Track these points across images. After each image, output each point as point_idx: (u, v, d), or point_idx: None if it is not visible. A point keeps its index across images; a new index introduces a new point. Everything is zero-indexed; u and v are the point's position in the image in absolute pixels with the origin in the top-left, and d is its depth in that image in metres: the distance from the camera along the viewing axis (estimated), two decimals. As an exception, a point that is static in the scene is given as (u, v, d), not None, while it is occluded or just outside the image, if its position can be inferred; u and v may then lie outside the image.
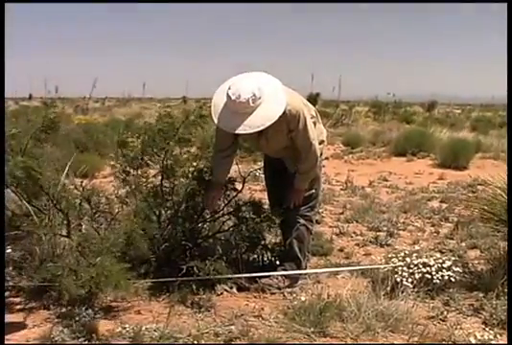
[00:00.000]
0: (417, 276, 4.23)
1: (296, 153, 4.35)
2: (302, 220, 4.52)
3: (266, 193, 4.97)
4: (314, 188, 4.57)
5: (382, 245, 5.80)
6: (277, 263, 4.58)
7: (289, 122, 4.13)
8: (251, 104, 3.89)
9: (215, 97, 4.13)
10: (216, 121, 4.05)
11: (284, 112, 4.01)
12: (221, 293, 4.23)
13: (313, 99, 31.82)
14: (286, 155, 4.48)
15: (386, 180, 10.38)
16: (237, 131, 3.98)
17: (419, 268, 4.27)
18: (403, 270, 4.27)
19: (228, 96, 3.91)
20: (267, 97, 3.97)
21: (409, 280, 4.20)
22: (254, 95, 3.89)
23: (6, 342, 3.47)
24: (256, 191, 8.32)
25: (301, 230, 4.53)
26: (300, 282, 4.50)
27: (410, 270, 4.27)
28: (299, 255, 4.55)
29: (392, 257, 4.49)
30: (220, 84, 4.19)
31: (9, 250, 4.31)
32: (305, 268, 4.62)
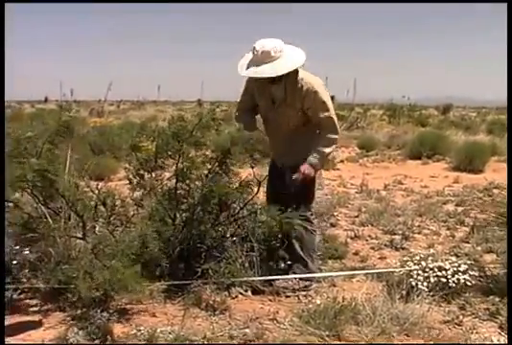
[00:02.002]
0: (432, 280, 4.22)
1: (307, 135, 4.57)
2: (299, 221, 4.49)
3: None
4: (310, 187, 4.63)
5: (397, 249, 5.78)
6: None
7: (304, 97, 4.46)
8: (272, 54, 4.32)
9: (244, 56, 4.52)
10: (238, 70, 4.45)
11: (301, 87, 4.44)
12: (236, 296, 4.23)
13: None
14: (291, 137, 4.63)
15: (402, 183, 10.34)
16: (248, 74, 4.43)
17: (434, 272, 4.26)
18: (418, 274, 4.26)
19: (254, 47, 4.35)
20: (286, 56, 4.38)
21: (425, 284, 4.18)
22: (275, 47, 4.33)
23: (22, 342, 3.50)
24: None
25: (299, 230, 4.52)
26: (314, 285, 4.50)
27: (426, 274, 4.25)
28: (302, 255, 4.57)
29: (407, 260, 4.48)
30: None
31: (26, 252, 4.34)
32: (314, 269, 4.62)
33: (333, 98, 30.57)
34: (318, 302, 3.86)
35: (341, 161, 13.52)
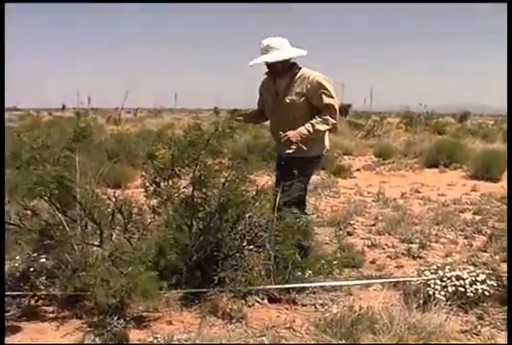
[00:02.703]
0: (450, 289, 4.19)
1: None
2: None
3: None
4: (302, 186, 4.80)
5: (414, 258, 5.75)
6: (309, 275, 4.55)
7: (308, 87, 4.96)
8: (272, 45, 4.93)
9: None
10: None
11: (305, 78, 4.98)
12: (253, 304, 4.23)
13: (344, 110, 31.75)
14: (293, 122, 4.96)
15: (418, 192, 10.28)
16: (253, 62, 5.02)
17: (452, 281, 4.23)
18: (435, 283, 4.23)
19: (261, 43, 4.97)
20: (285, 49, 4.98)
21: (442, 293, 4.16)
22: (276, 42, 4.96)
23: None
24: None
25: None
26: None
27: (443, 283, 4.23)
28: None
29: (425, 269, 4.46)
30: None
31: (43, 259, 4.35)
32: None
33: (350, 106, 30.50)
34: (335, 311, 3.84)
35: (358, 169, 13.49)
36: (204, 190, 4.34)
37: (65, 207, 4.25)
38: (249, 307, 4.20)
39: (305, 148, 4.82)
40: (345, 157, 15.95)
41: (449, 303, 4.07)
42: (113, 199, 4.48)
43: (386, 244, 6.24)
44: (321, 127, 4.93)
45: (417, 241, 6.30)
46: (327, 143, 5.25)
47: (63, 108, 53.90)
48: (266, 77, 5.26)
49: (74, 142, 4.33)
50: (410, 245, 6.12)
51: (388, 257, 5.78)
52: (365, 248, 5.99)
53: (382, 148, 17.05)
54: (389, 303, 4.06)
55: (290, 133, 4.80)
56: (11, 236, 4.19)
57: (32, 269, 4.37)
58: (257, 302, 4.26)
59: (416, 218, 7.63)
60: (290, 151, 4.81)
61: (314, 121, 4.90)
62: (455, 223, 7.30)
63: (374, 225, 7.23)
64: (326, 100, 4.94)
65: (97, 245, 4.19)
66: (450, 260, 4.83)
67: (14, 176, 4.10)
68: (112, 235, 4.32)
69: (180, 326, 3.87)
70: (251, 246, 4.45)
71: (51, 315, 4.03)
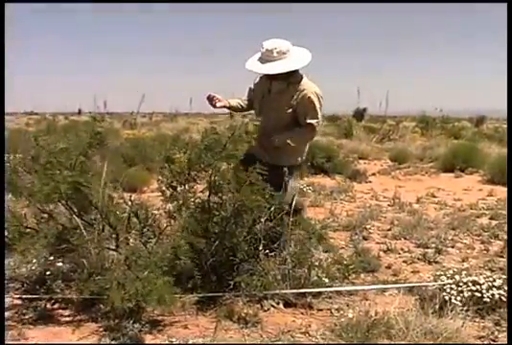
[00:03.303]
0: (466, 294, 4.17)
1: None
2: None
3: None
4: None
5: (430, 263, 5.72)
6: (325, 280, 4.54)
7: (299, 100, 4.82)
8: (274, 54, 4.70)
9: (254, 55, 4.88)
10: (246, 64, 4.82)
11: (301, 91, 4.81)
12: (268, 309, 4.22)
13: (359, 114, 31.67)
14: (276, 130, 4.88)
15: (434, 196, 10.24)
16: (250, 68, 4.78)
17: (468, 287, 4.21)
18: (451, 288, 4.21)
19: (262, 45, 4.73)
20: (289, 57, 4.75)
21: (458, 298, 4.13)
22: (280, 48, 4.70)
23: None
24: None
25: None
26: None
27: (459, 288, 4.20)
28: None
29: (441, 274, 4.44)
30: None
31: (59, 263, 4.38)
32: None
33: (365, 110, 30.45)
34: (351, 315, 3.83)
35: (373, 174, 13.47)
36: (220, 194, 4.35)
37: (82, 211, 4.27)
38: (265, 311, 4.20)
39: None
40: (361, 161, 15.94)
41: (465, 308, 4.05)
42: (129, 203, 4.50)
43: (402, 249, 6.22)
44: (291, 142, 4.83)
45: (433, 245, 6.28)
46: (304, 153, 5.23)
47: (79, 112, 54.11)
48: (261, 75, 5.05)
49: (90, 147, 4.34)
50: (426, 250, 6.10)
51: (404, 262, 5.76)
52: (381, 253, 5.97)
53: (397, 152, 17.00)
54: (405, 308, 4.04)
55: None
56: (28, 239, 4.21)
57: (48, 273, 4.41)
58: (272, 306, 4.26)
59: (432, 222, 7.59)
60: (275, 161, 4.78)
61: (289, 134, 4.84)
62: (472, 228, 7.26)
63: (390, 230, 7.21)
64: (309, 120, 4.85)
65: (113, 249, 4.21)
66: (466, 265, 4.83)
67: (32, 180, 4.13)
68: (128, 239, 4.34)
69: (196, 330, 3.87)
70: (267, 251, 4.45)
71: (67, 319, 4.04)
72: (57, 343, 3.66)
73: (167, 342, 3.66)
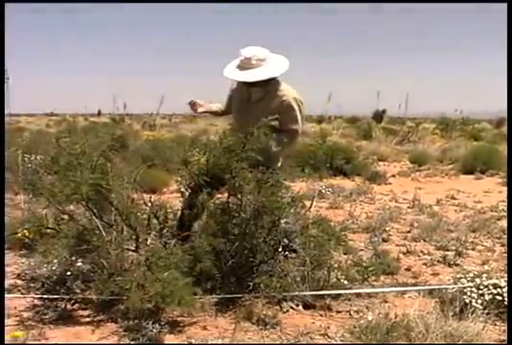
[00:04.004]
0: (487, 297, 4.14)
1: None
2: None
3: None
4: None
5: (450, 265, 5.70)
6: (344, 282, 4.52)
7: (279, 107, 4.81)
8: (252, 62, 4.75)
9: (232, 62, 4.92)
10: (224, 72, 4.87)
11: (280, 97, 4.85)
12: (287, 310, 4.22)
13: (378, 116, 31.58)
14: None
15: (454, 198, 10.19)
16: (229, 76, 4.85)
17: (489, 289, 4.18)
18: (472, 291, 4.18)
19: (240, 53, 4.78)
20: (268, 64, 4.79)
21: (479, 301, 4.10)
22: (258, 55, 4.76)
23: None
24: (322, 208, 8.31)
25: None
26: None
27: (480, 291, 4.17)
28: None
29: (461, 277, 4.41)
30: None
31: (79, 263, 4.40)
32: None
33: (384, 111, 30.33)
34: (370, 318, 3.81)
35: (393, 175, 13.43)
36: (240, 196, 4.35)
37: (102, 212, 4.29)
38: (284, 313, 4.19)
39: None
40: (380, 163, 15.89)
41: (486, 311, 4.02)
42: (149, 205, 4.51)
43: (422, 251, 6.19)
44: (275, 149, 4.76)
45: (453, 248, 6.24)
46: (284, 157, 5.25)
47: (99, 114, 54.37)
48: (239, 81, 5.07)
49: (111, 149, 4.36)
50: (446, 253, 6.06)
51: (424, 264, 5.73)
52: (401, 255, 5.95)
53: (417, 154, 16.94)
54: (425, 310, 4.01)
55: None
56: (49, 240, 4.24)
57: (68, 273, 4.43)
58: (291, 308, 4.26)
59: (452, 225, 7.54)
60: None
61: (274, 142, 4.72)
62: (492, 231, 7.22)
63: (409, 232, 7.18)
64: (291, 125, 4.87)
65: (133, 250, 4.22)
66: (487, 268, 4.78)
67: (53, 181, 4.15)
68: (148, 240, 4.35)
69: (215, 331, 3.88)
70: (286, 252, 4.45)
71: (87, 319, 4.06)
72: (77, 343, 3.67)
73: (186, 343, 3.67)
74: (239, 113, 5.12)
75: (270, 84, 4.87)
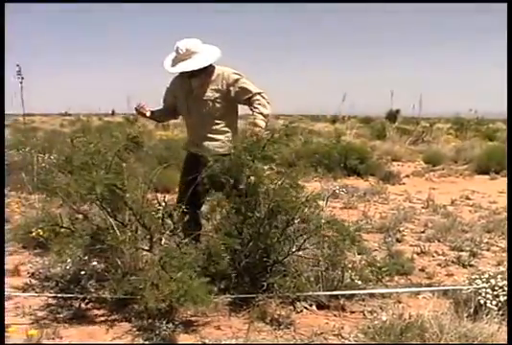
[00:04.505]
0: (502, 299, 4.10)
1: (226, 123, 5.18)
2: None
3: (350, 210, 4.96)
4: None
5: (464, 266, 5.67)
6: (358, 282, 4.51)
7: (223, 82, 5.08)
8: (189, 53, 4.97)
9: (168, 56, 5.15)
10: (166, 68, 5.09)
11: (222, 75, 5.09)
12: (301, 311, 4.22)
13: (392, 115, 31.46)
14: (210, 124, 5.15)
15: (469, 199, 10.14)
16: (178, 70, 5.05)
17: (504, 291, 4.15)
18: (487, 292, 4.15)
19: (177, 47, 4.99)
20: (205, 52, 5.04)
21: (494, 302, 4.07)
22: (196, 45, 5.01)
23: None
24: (336, 208, 8.30)
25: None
26: None
27: (495, 292, 4.14)
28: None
29: (476, 278, 4.38)
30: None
31: (94, 263, 4.41)
32: None
33: (398, 112, 30.15)
34: (384, 318, 3.79)
35: (407, 176, 13.38)
36: (255, 196, 4.35)
37: (116, 211, 4.29)
38: (298, 313, 4.19)
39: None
40: (394, 163, 15.83)
41: (500, 312, 3.99)
42: (163, 204, 4.51)
43: (436, 252, 6.17)
44: (266, 111, 5.01)
45: (468, 248, 6.21)
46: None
47: (113, 113, 54.43)
48: (178, 75, 5.30)
49: (125, 149, 4.37)
50: (461, 253, 6.04)
51: (438, 265, 5.71)
52: (415, 255, 5.93)
53: (431, 154, 16.86)
54: (439, 311, 3.99)
55: (260, 131, 4.71)
56: (63, 239, 4.25)
57: (82, 272, 4.44)
58: (305, 308, 4.25)
59: (467, 225, 7.51)
60: (221, 150, 4.92)
61: (257, 111, 4.97)
62: (507, 231, 7.17)
63: (423, 232, 7.16)
64: (254, 89, 5.07)
65: (147, 250, 4.23)
66: (502, 268, 4.74)
67: (67, 181, 4.16)
68: (162, 239, 4.35)
69: (228, 331, 3.88)
70: (300, 252, 4.44)
71: (101, 318, 4.08)
72: (91, 343, 3.68)
73: (200, 343, 3.67)
74: (186, 106, 5.27)
75: (209, 71, 5.09)
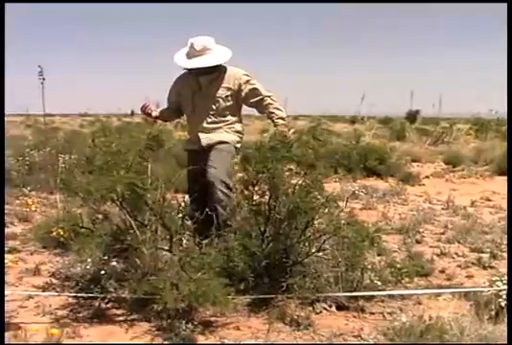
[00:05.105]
0: (523, 301, 4.08)
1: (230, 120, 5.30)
2: (220, 186, 4.86)
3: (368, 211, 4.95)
4: (227, 150, 5.12)
5: (485, 267, 5.63)
6: (377, 283, 4.50)
7: (235, 82, 5.22)
8: (202, 50, 5.08)
9: (179, 52, 5.26)
10: (178, 63, 5.18)
11: (233, 75, 5.23)
12: (321, 312, 4.21)
13: (412, 116, 31.37)
14: (215, 123, 5.25)
15: (489, 200, 10.08)
16: (193, 65, 5.09)
17: (525, 293, 4.12)
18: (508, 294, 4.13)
19: (192, 43, 5.09)
20: (215, 52, 5.16)
21: (515, 305, 4.05)
22: (208, 44, 5.13)
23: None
24: (355, 208, 8.27)
25: (219, 194, 4.87)
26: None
27: (516, 295, 4.12)
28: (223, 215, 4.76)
29: (496, 280, 4.35)
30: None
31: (114, 262, 4.43)
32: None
33: (418, 112, 30.08)
34: (404, 320, 3.78)
35: (427, 176, 13.31)
36: (275, 196, 4.35)
37: (136, 211, 4.31)
38: (317, 314, 4.18)
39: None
40: (414, 164, 15.73)
41: (522, 315, 3.97)
42: (183, 204, 4.53)
43: (456, 253, 6.13)
44: (285, 116, 5.24)
45: (488, 250, 6.16)
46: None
47: (132, 114, 54.64)
48: (182, 74, 5.40)
49: (146, 149, 4.40)
50: (481, 255, 6.00)
51: (458, 266, 5.67)
52: (434, 257, 5.89)
53: (451, 155, 16.75)
54: (459, 313, 3.97)
55: (288, 133, 4.92)
56: (83, 239, 4.28)
57: (102, 272, 4.46)
58: (325, 309, 4.24)
59: (487, 226, 7.45)
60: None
61: (276, 116, 5.16)
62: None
63: (443, 233, 7.11)
64: (264, 92, 5.24)
65: (167, 250, 4.24)
66: (523, 270, 4.71)
67: (87, 181, 4.18)
68: (182, 240, 4.37)
69: (248, 332, 3.88)
70: (320, 253, 4.43)
71: (120, 318, 4.09)
72: (110, 343, 3.70)
73: (219, 343, 3.68)
74: (192, 104, 5.33)
75: (219, 70, 5.23)
